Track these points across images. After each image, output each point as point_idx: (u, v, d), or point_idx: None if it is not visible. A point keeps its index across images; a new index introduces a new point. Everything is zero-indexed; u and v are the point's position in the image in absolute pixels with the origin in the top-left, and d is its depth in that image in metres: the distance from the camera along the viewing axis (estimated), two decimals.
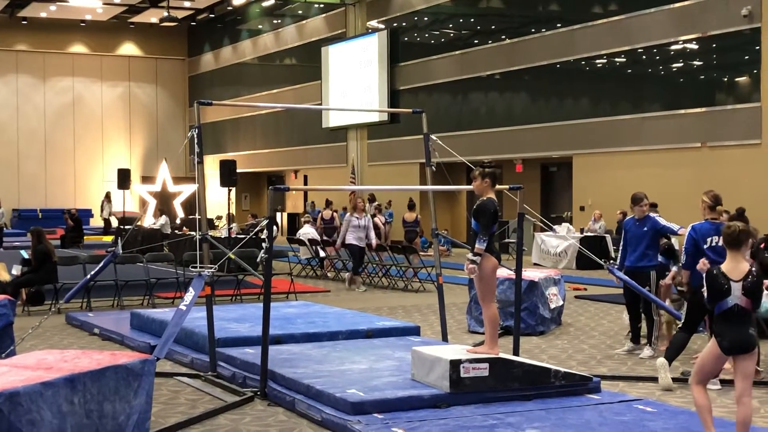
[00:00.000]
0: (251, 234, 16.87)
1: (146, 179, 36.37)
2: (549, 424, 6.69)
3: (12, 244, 26.71)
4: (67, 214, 29.69)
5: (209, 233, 9.02)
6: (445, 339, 9.80)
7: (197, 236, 8.81)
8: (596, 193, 23.14)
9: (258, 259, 13.58)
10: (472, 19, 28.65)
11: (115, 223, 34.23)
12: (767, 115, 19.22)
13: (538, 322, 11.46)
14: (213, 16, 38.95)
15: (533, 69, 25.34)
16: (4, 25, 38.53)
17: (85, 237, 29.64)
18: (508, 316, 10.86)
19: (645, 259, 9.75)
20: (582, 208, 23.77)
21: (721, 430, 6.17)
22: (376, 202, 27.97)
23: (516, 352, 8.60)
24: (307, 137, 34.72)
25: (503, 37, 26.60)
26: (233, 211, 24.74)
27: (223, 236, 21.18)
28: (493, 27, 27.44)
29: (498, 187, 7.97)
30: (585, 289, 16.52)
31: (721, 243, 6.26)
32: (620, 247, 10.09)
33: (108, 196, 34.24)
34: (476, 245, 7.41)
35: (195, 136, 8.76)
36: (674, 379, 8.27)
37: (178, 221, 28.10)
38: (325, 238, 20.70)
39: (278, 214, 34.46)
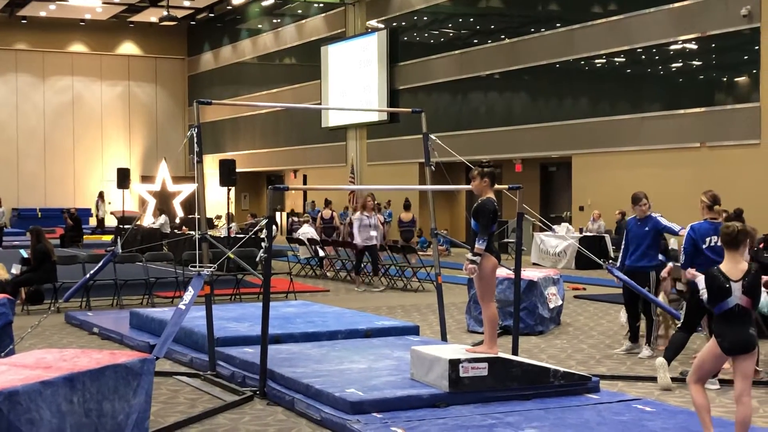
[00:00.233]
0: (251, 233, 16.85)
1: (146, 178, 36.35)
2: (548, 424, 6.69)
3: (11, 244, 26.71)
4: (67, 214, 29.67)
5: (208, 233, 9.03)
6: (444, 338, 9.80)
7: (196, 236, 8.82)
8: (595, 193, 23.14)
9: (257, 259, 13.58)
10: (472, 19, 28.65)
11: (109, 222, 34.24)
12: (766, 115, 19.23)
13: (537, 321, 11.47)
14: (212, 15, 38.95)
15: (533, 69, 25.35)
16: (4, 24, 38.53)
17: (84, 236, 29.63)
18: (507, 316, 10.86)
19: (645, 259, 9.76)
20: (581, 208, 23.77)
21: (721, 430, 6.18)
22: (376, 202, 27.99)
23: (515, 352, 8.61)
24: (307, 137, 34.72)
25: (503, 36, 26.60)
26: (233, 210, 24.73)
27: (222, 236, 21.19)
28: (492, 27, 27.44)
29: (497, 186, 7.97)
30: (584, 289, 16.52)
31: (719, 243, 6.26)
32: (622, 246, 10.10)
33: (101, 196, 34.16)
34: (476, 245, 7.42)
35: (194, 135, 8.76)
36: (673, 379, 8.28)
37: (177, 221, 28.09)
38: (324, 237, 20.71)
39: (277, 214, 34.45)
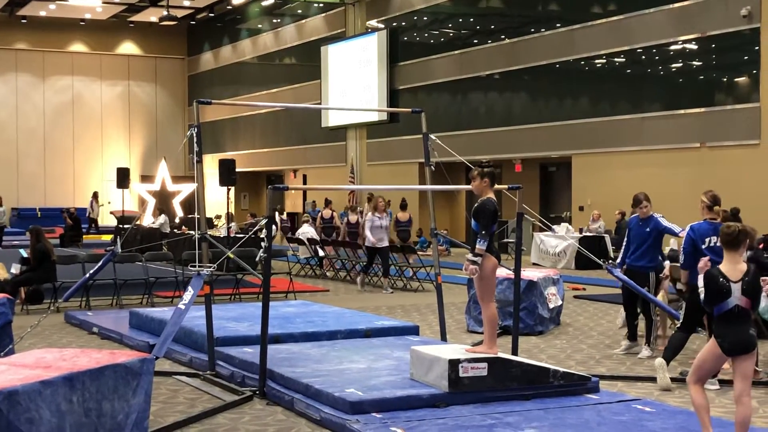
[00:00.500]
0: (250, 233, 16.84)
1: (145, 178, 36.35)
2: (547, 424, 6.69)
3: (11, 243, 26.71)
4: (66, 213, 29.67)
5: (208, 232, 9.02)
6: (444, 338, 9.80)
7: (196, 235, 8.82)
8: (595, 193, 23.14)
9: (257, 258, 13.56)
10: (472, 19, 28.65)
11: (102, 222, 34.19)
12: (766, 115, 19.23)
13: (537, 321, 11.47)
14: (212, 15, 38.94)
15: (533, 69, 25.34)
16: (4, 24, 38.52)
17: (84, 236, 29.62)
18: (506, 316, 10.86)
19: (645, 259, 9.76)
20: (581, 208, 23.77)
21: (721, 430, 6.18)
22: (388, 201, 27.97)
23: (515, 352, 8.61)
24: (307, 137, 34.72)
25: (503, 36, 26.60)
26: (232, 210, 24.73)
27: (222, 235, 21.19)
28: (492, 27, 27.43)
29: (497, 186, 7.97)
30: (584, 289, 16.52)
31: (719, 243, 6.25)
32: (623, 244, 10.11)
33: (95, 195, 34.08)
34: (477, 246, 7.41)
35: (194, 135, 8.76)
36: (673, 379, 8.28)
37: (177, 220, 28.09)
38: (324, 237, 20.70)
39: (276, 214, 34.43)
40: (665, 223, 9.84)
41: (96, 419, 5.40)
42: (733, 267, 5.78)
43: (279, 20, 37.03)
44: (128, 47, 42.03)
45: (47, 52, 40.34)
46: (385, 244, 16.78)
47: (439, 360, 7.30)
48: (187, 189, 29.00)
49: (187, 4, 37.20)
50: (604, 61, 23.79)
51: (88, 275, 10.20)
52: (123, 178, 25.48)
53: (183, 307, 7.60)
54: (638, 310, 10.03)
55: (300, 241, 20.23)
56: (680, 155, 21.00)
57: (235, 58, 39.61)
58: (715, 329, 5.86)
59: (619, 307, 11.14)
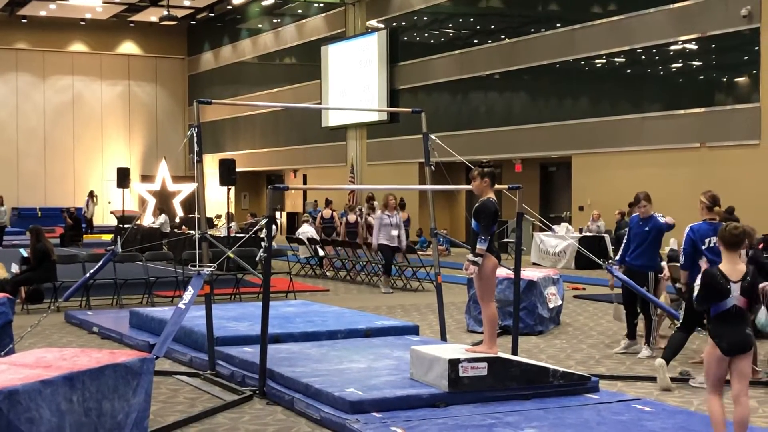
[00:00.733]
0: (250, 233, 16.84)
1: (145, 178, 36.34)
2: (547, 424, 6.70)
3: (11, 243, 26.72)
4: (66, 213, 29.67)
5: (208, 232, 9.03)
6: (443, 338, 9.81)
7: (196, 235, 8.82)
8: (595, 193, 23.15)
9: (257, 258, 13.55)
10: (472, 19, 28.65)
11: (98, 221, 34.14)
12: (766, 115, 19.23)
13: (537, 321, 11.47)
14: (213, 15, 38.93)
15: (533, 69, 25.35)
16: (4, 24, 38.52)
17: (84, 235, 29.61)
18: (506, 316, 10.87)
19: (643, 258, 9.77)
20: (581, 208, 23.77)
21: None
22: (374, 201, 27.96)
23: (514, 352, 8.61)
24: (307, 136, 34.72)
25: (503, 36, 26.60)
26: (232, 210, 24.73)
27: (222, 235, 21.19)
28: (492, 27, 27.44)
29: (497, 186, 7.97)
30: (584, 289, 16.53)
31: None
32: (623, 243, 10.12)
33: (92, 194, 34.03)
34: (478, 246, 7.42)
35: (194, 134, 8.76)
36: (672, 379, 8.28)
37: (177, 220, 28.09)
38: (324, 237, 20.71)
39: (277, 213, 34.44)
40: (662, 220, 9.85)
41: (96, 419, 5.41)
42: (733, 267, 5.79)
43: (279, 20, 37.03)
44: (128, 47, 42.03)
45: (47, 51, 40.34)
46: (395, 244, 16.53)
47: (439, 360, 7.30)
48: (187, 189, 28.99)
49: (187, 3, 37.20)
50: (604, 61, 23.79)
51: (88, 275, 10.21)
52: (123, 177, 25.47)
53: (183, 306, 7.61)
54: (638, 310, 10.03)
55: (300, 241, 20.23)
56: (680, 155, 21.00)
57: (235, 58, 39.61)
58: (711, 329, 5.85)
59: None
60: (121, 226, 25.35)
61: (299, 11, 35.60)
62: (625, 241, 10.09)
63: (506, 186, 8.88)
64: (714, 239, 8.31)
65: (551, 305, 11.78)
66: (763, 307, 7.91)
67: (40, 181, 40.18)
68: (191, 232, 12.83)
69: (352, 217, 21.24)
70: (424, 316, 13.04)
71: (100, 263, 9.67)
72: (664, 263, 10.29)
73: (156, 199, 29.43)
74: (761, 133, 19.27)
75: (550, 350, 10.28)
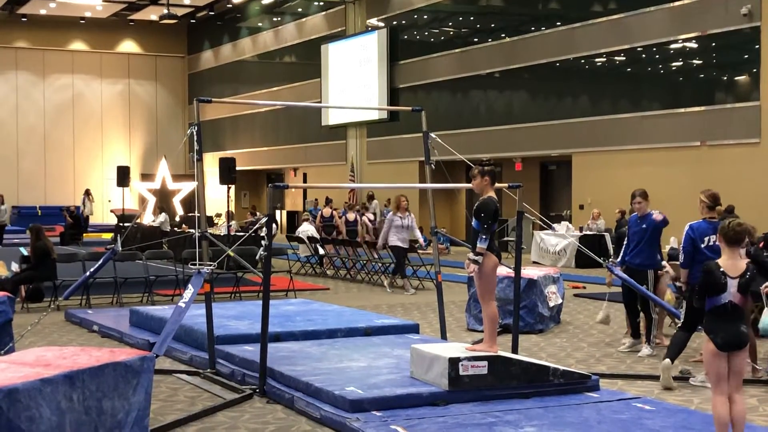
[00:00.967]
0: (251, 231, 16.84)
1: (145, 176, 36.34)
2: (547, 422, 6.69)
3: (11, 241, 26.71)
4: (66, 212, 29.66)
5: (208, 231, 9.02)
6: (444, 337, 9.81)
7: (196, 234, 8.82)
8: (595, 191, 23.14)
9: (257, 257, 13.55)
10: (472, 17, 28.65)
11: (95, 220, 34.12)
12: (766, 114, 19.23)
13: (537, 320, 11.47)
14: (213, 13, 38.94)
15: (533, 67, 25.34)
16: (4, 22, 38.52)
17: (84, 234, 29.60)
18: (507, 314, 10.86)
19: (642, 256, 9.76)
20: (581, 207, 23.77)
21: (714, 428, 6.17)
22: (375, 201, 27.96)
23: (515, 350, 8.60)
24: (307, 135, 34.72)
25: (503, 35, 26.60)
26: (232, 208, 24.73)
27: (222, 234, 21.19)
28: (492, 25, 27.43)
29: (497, 185, 7.97)
30: (584, 288, 16.52)
31: (718, 242, 6.23)
32: (624, 243, 10.12)
33: (88, 193, 34.00)
34: (478, 245, 7.41)
35: (194, 133, 8.76)
36: (673, 378, 8.27)
37: (177, 219, 28.09)
38: (324, 235, 20.71)
39: (277, 212, 34.44)
40: (658, 218, 9.82)
41: (96, 417, 5.40)
42: (733, 263, 5.78)
43: (279, 18, 37.03)
44: (128, 45, 42.03)
45: (47, 50, 40.34)
46: (407, 245, 16.22)
47: (439, 358, 7.30)
48: (187, 187, 28.98)
49: (187, 2, 37.20)
50: (605, 59, 23.78)
51: (88, 273, 10.20)
52: (123, 176, 25.47)
53: (183, 305, 7.60)
54: (639, 308, 10.03)
55: (300, 240, 20.24)
56: (680, 154, 21.00)
57: (235, 57, 39.60)
58: (706, 324, 5.83)
59: (619, 305, 11.12)
60: (121, 224, 25.36)
61: (299, 10, 35.59)
62: (625, 241, 10.10)
63: (506, 184, 8.88)
64: (713, 237, 8.31)
65: (551, 304, 11.78)
66: (766, 310, 7.89)
67: (40, 179, 40.18)
68: (191, 230, 12.84)
69: (351, 216, 21.24)
70: (424, 315, 13.04)
71: (100, 262, 9.67)
72: (664, 262, 10.27)
73: (156, 197, 29.42)
74: (761, 131, 19.27)
75: (551, 349, 10.28)
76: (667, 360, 8.23)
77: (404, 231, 16.06)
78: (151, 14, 38.85)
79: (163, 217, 25.46)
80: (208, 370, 8.66)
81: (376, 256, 18.27)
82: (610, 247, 20.36)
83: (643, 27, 22.00)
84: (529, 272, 11.77)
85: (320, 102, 32.38)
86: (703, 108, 20.80)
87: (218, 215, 31.35)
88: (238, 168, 22.06)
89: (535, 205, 23.98)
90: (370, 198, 28.14)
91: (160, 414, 7.18)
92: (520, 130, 25.56)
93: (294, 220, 33.46)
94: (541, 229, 21.90)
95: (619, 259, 9.98)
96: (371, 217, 23.38)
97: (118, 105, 42.02)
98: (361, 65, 31.30)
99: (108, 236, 30.32)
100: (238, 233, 20.47)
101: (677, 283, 9.58)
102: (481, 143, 26.18)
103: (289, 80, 35.73)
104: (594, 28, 23.43)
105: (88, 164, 41.05)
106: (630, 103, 22.74)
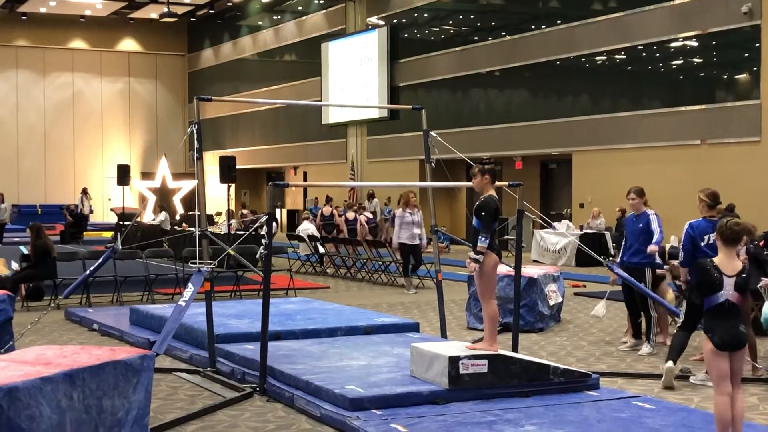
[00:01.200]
0: (251, 230, 16.85)
1: (146, 175, 36.36)
2: (547, 421, 6.69)
3: (11, 240, 26.71)
4: (66, 210, 29.66)
5: (208, 229, 9.02)
6: (444, 335, 9.81)
7: (196, 232, 8.81)
8: (596, 190, 23.14)
9: (257, 255, 13.54)
10: (472, 16, 28.64)
11: (93, 219, 34.11)
12: (767, 112, 19.23)
13: (537, 318, 11.47)
14: (213, 12, 38.94)
15: (533, 66, 25.34)
16: (4, 21, 38.52)
17: (85, 233, 29.61)
18: (507, 313, 10.86)
19: (639, 255, 9.75)
20: (581, 205, 23.77)
21: (714, 426, 6.17)
22: (375, 199, 27.96)
23: (515, 349, 8.60)
24: (307, 134, 34.71)
25: (503, 33, 26.59)
26: (233, 207, 24.72)
27: (222, 232, 21.19)
28: (492, 24, 27.43)
29: (497, 183, 7.96)
30: (584, 286, 16.51)
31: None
32: (622, 242, 10.13)
33: (85, 191, 33.98)
34: (479, 243, 7.40)
35: (194, 132, 8.75)
36: (674, 377, 8.27)
37: (177, 217, 28.09)
38: (324, 234, 20.71)
39: (278, 210, 34.43)
40: (654, 224, 9.76)
41: (96, 416, 5.40)
42: (729, 262, 5.76)
43: (279, 17, 37.02)
44: (128, 44, 42.02)
45: (47, 48, 40.32)
46: (417, 241, 16.03)
47: (439, 357, 7.30)
48: (187, 186, 29.01)
49: (187, 0, 37.19)
50: (605, 58, 23.78)
51: (88, 272, 10.19)
52: (123, 175, 25.47)
53: (183, 304, 7.60)
54: (639, 307, 10.02)
55: (300, 238, 20.23)
56: (680, 152, 21.00)
57: (235, 55, 39.59)
58: (704, 323, 5.82)
59: (620, 304, 11.13)
60: (121, 223, 25.36)
61: (299, 8, 35.59)
62: (623, 240, 10.10)
63: (507, 183, 8.88)
64: (713, 236, 8.30)
65: (552, 302, 11.77)
66: (766, 304, 7.88)
67: (40, 178, 40.17)
68: (191, 229, 12.84)
69: (351, 214, 21.23)
70: (424, 314, 13.04)
71: (100, 260, 9.66)
72: (664, 264, 10.26)
73: (156, 196, 29.44)
74: (761, 130, 19.27)
75: (551, 347, 10.28)
76: (670, 363, 8.18)
77: (413, 227, 15.91)
78: (152, 12, 38.86)
79: (163, 215, 25.47)
80: (209, 368, 8.66)
81: (375, 254, 18.28)
82: (611, 245, 20.38)
83: (643, 25, 22.00)
84: (529, 271, 11.77)
85: (320, 100, 32.39)
86: (703, 106, 20.80)
87: (218, 214, 31.37)
88: (238, 166, 22.07)
89: (535, 203, 23.98)
90: (370, 197, 28.14)
91: (160, 412, 7.18)
92: (520, 129, 25.56)
93: (294, 218, 33.48)
94: (542, 227, 21.90)
95: (618, 260, 9.98)
96: (369, 216, 23.39)
97: (119, 103, 42.01)
98: (362, 63, 31.29)
99: (108, 235, 30.31)
100: (238, 232, 20.46)
101: (677, 282, 9.58)
102: (482, 142, 26.18)
103: (290, 79, 35.73)
104: (594, 26, 23.43)
105: (89, 163, 41.05)
106: (630, 102, 22.74)
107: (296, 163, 36.05)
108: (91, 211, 37.10)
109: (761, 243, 9.43)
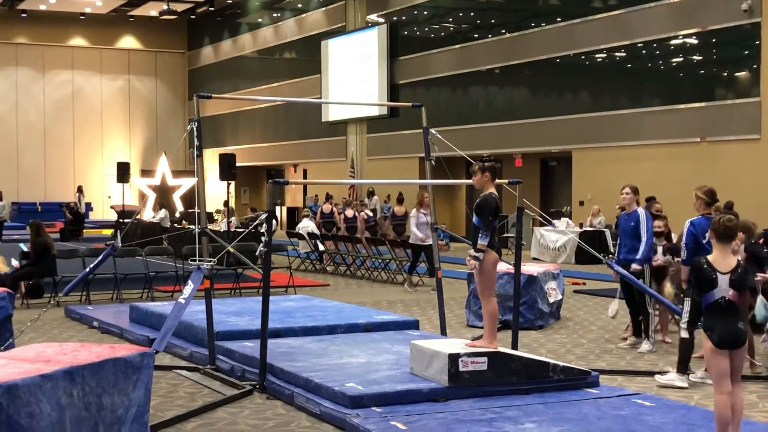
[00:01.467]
0: (251, 228, 16.81)
1: (146, 173, 36.33)
2: (547, 418, 6.69)
3: (11, 238, 26.72)
4: (66, 208, 29.65)
5: (208, 227, 9.02)
6: (443, 333, 9.81)
7: (196, 230, 8.81)
8: (596, 187, 23.13)
9: (257, 253, 13.54)
10: (472, 13, 28.62)
11: (99, 216, 34.11)
12: (767, 110, 19.22)
13: (537, 316, 11.48)
14: (212, 9, 38.91)
15: (533, 63, 25.32)
16: (4, 18, 38.49)
17: (84, 230, 29.61)
18: (507, 311, 10.86)
19: (634, 253, 9.74)
20: (581, 203, 23.76)
21: (713, 424, 6.17)
22: (375, 197, 27.96)
23: (515, 347, 8.61)
24: (307, 131, 34.70)
25: (503, 31, 26.58)
26: (232, 204, 24.70)
27: (222, 230, 21.19)
28: (492, 21, 27.41)
29: (497, 181, 7.97)
30: (584, 284, 16.52)
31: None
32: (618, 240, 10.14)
33: (80, 189, 33.89)
34: (479, 241, 7.40)
35: (194, 129, 8.76)
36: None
37: (177, 215, 28.09)
38: (324, 232, 20.71)
39: (278, 208, 34.43)
40: (643, 227, 9.70)
41: (96, 413, 5.40)
42: (723, 259, 5.75)
43: (279, 14, 37.00)
44: (128, 41, 41.99)
45: (47, 46, 40.29)
46: (431, 241, 16.19)
47: (439, 354, 7.30)
48: (187, 183, 29.00)
49: None
50: (605, 55, 23.77)
51: (88, 269, 10.20)
52: (123, 172, 25.47)
53: (183, 301, 7.60)
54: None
55: (300, 236, 20.24)
56: (680, 150, 20.99)
57: (235, 53, 39.57)
58: (703, 321, 5.82)
59: (620, 302, 11.11)
60: (121, 220, 25.36)
61: (299, 5, 35.56)
62: (619, 239, 10.10)
63: (507, 180, 8.88)
64: None
65: (551, 300, 11.78)
66: (759, 299, 7.87)
67: (40, 175, 40.16)
68: (191, 226, 12.82)
69: (350, 212, 21.22)
70: (424, 311, 13.04)
71: (100, 258, 9.67)
72: (658, 256, 10.21)
73: (156, 193, 29.45)
74: (761, 127, 19.26)
75: (550, 345, 10.28)
76: (683, 376, 8.03)
77: (427, 228, 15.87)
78: (151, 10, 38.83)
79: (163, 213, 25.48)
80: (208, 366, 8.66)
81: (374, 252, 18.27)
82: (610, 243, 20.38)
83: (643, 23, 21.99)
84: (529, 268, 11.78)
85: (320, 98, 32.37)
86: (703, 104, 20.79)
87: (218, 211, 31.38)
88: (238, 164, 22.05)
89: (535, 201, 23.97)
90: (370, 194, 28.14)
91: (160, 410, 7.18)
92: (520, 126, 25.55)
93: (294, 216, 33.48)
94: (541, 225, 21.89)
95: (616, 258, 9.98)
96: (369, 213, 23.39)
97: (118, 101, 41.99)
98: (361, 61, 31.28)
99: (108, 232, 30.30)
100: (238, 229, 20.45)
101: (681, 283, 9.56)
102: (482, 139, 26.16)
103: (289, 76, 35.71)
104: (594, 24, 23.41)
105: (88, 160, 41.03)
106: (630, 99, 22.73)
107: (296, 160, 36.04)
108: (91, 209, 37.16)
109: (761, 240, 9.41)
